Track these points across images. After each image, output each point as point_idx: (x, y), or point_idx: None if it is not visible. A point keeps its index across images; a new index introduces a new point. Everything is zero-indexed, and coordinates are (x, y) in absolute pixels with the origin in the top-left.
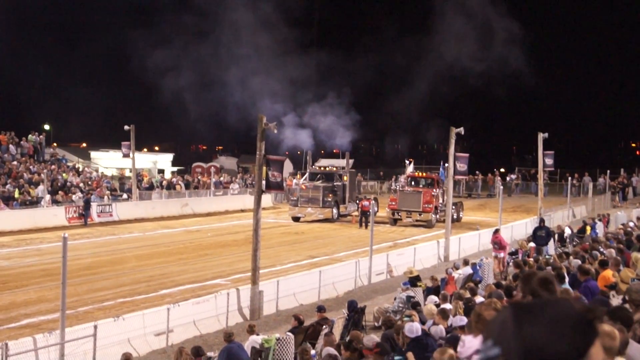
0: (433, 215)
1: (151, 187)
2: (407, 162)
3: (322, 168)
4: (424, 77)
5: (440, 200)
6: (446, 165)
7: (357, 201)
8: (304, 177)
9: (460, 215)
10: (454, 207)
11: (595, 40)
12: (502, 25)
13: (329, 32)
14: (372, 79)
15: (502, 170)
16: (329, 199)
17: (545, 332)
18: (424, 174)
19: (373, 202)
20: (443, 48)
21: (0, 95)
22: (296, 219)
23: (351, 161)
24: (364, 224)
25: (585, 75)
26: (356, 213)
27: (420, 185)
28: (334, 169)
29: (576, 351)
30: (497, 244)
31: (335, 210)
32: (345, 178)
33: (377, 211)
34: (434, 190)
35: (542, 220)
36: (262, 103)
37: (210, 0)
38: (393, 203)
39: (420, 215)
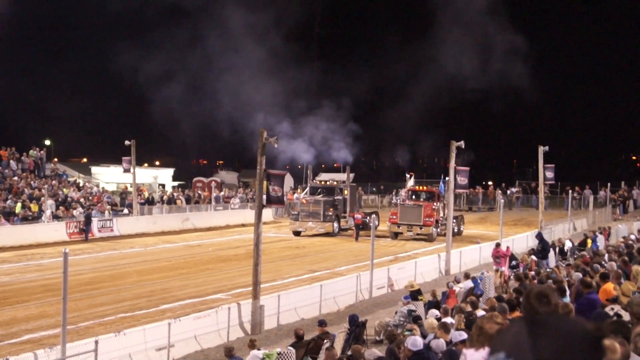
0: (434, 229)
1: (150, 202)
2: (407, 175)
3: (322, 182)
4: (423, 90)
5: (441, 214)
6: (447, 178)
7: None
8: (304, 192)
9: (461, 229)
10: (454, 220)
11: (595, 53)
12: (503, 38)
13: (328, 45)
14: (371, 93)
15: (503, 184)
16: (330, 213)
17: (558, 347)
18: (425, 188)
19: (374, 215)
20: (443, 61)
21: (1, 111)
22: (297, 233)
23: (352, 175)
24: (356, 237)
25: (586, 89)
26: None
27: (421, 199)
28: (335, 183)
29: None
30: (498, 257)
31: (336, 224)
32: (345, 192)
33: (378, 225)
34: (435, 204)
35: (539, 234)
36: (262, 117)
37: (205, 13)
38: (394, 217)
39: (421, 229)
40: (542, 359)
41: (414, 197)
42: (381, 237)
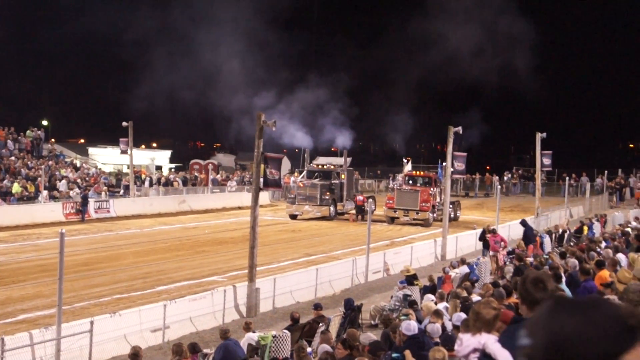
0: (430, 214)
1: (145, 182)
2: (404, 160)
3: (319, 166)
4: (422, 74)
5: (438, 199)
6: (444, 164)
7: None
8: (301, 175)
9: (458, 215)
10: (451, 206)
11: (594, 41)
12: (503, 24)
13: (328, 27)
14: (369, 77)
15: (506, 174)
16: (327, 197)
17: (580, 328)
18: (422, 173)
19: (370, 200)
20: (441, 45)
21: None
22: (293, 217)
23: (349, 159)
24: (359, 216)
25: (584, 76)
26: (353, 211)
27: (418, 184)
28: (332, 167)
29: (610, 354)
30: (499, 242)
31: (332, 208)
32: (342, 176)
33: (375, 209)
34: (432, 189)
35: (522, 221)
36: (260, 100)
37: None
38: (390, 202)
39: (417, 214)
40: (553, 338)
41: (410, 182)
42: (377, 221)
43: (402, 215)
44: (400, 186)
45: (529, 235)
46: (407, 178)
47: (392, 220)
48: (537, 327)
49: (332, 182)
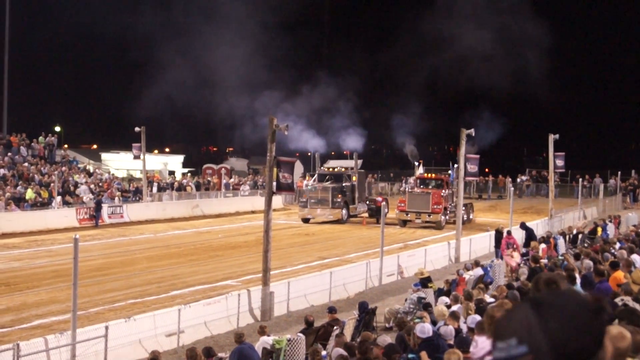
0: (442, 217)
1: (160, 189)
2: (416, 163)
3: (330, 169)
4: (434, 76)
5: (450, 202)
6: (456, 166)
7: (367, 202)
8: (313, 179)
9: (471, 217)
10: (464, 208)
11: (607, 41)
12: (515, 24)
13: (339, 29)
14: (382, 78)
15: (519, 176)
16: (338, 200)
17: (568, 326)
18: (434, 175)
19: (384, 203)
20: (455, 47)
21: (11, 97)
22: (306, 221)
23: (360, 161)
24: (377, 220)
25: (597, 77)
26: (366, 214)
27: (430, 187)
28: (343, 169)
29: (596, 342)
30: (512, 244)
31: (344, 211)
32: (354, 178)
33: (387, 212)
34: (443, 191)
35: (522, 224)
36: (272, 104)
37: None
38: (402, 204)
39: (429, 216)
40: (555, 341)
41: (422, 184)
42: (390, 224)
43: (414, 217)
44: (412, 189)
45: (532, 236)
46: (418, 180)
47: (404, 223)
48: (532, 333)
49: (344, 184)
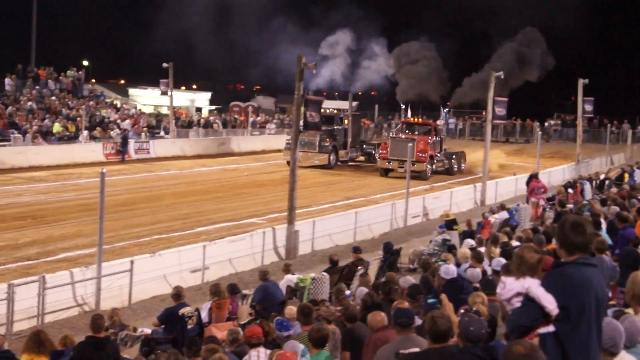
0: (428, 166)
1: (187, 125)
2: (402, 105)
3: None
4: (458, 15)
5: (438, 149)
6: (447, 110)
7: (364, 146)
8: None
9: (462, 167)
10: (454, 157)
11: None
12: None
13: None
14: (404, 16)
15: (548, 120)
16: (327, 144)
17: None
18: (420, 120)
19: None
20: None
21: (40, 31)
22: None
23: (355, 103)
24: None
25: (629, 21)
26: (361, 158)
27: (416, 133)
28: (335, 111)
29: None
30: (541, 188)
31: (332, 156)
32: (346, 121)
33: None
34: (431, 137)
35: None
36: (296, 37)
37: None
38: (384, 152)
39: (413, 165)
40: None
41: (408, 130)
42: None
43: (397, 166)
44: (396, 135)
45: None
46: (403, 125)
47: (385, 172)
48: None
49: (334, 127)
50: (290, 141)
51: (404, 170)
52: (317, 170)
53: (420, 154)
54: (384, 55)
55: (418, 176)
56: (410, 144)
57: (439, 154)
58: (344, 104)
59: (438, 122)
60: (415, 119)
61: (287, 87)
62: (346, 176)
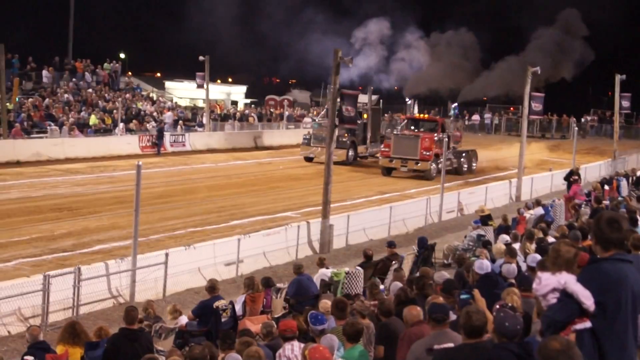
0: (432, 165)
1: (224, 118)
2: (407, 100)
3: None
4: (493, 9)
5: (445, 148)
6: (456, 104)
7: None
8: (320, 114)
9: (473, 166)
10: (464, 155)
11: None
12: None
13: None
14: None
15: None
16: (344, 139)
17: None
18: (426, 116)
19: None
20: None
21: (77, 23)
22: (309, 159)
23: (375, 97)
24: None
25: None
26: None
27: (421, 130)
28: None
29: None
30: (583, 190)
31: (351, 152)
32: (365, 116)
33: None
34: (437, 134)
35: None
36: (327, 36)
37: None
38: (387, 149)
39: (417, 164)
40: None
41: (412, 126)
42: None
43: (399, 165)
44: (400, 131)
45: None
46: (407, 122)
47: (387, 171)
48: None
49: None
50: (307, 136)
51: (406, 170)
52: (351, 165)
53: (424, 152)
54: (420, 47)
55: (422, 176)
56: (414, 142)
57: (447, 152)
58: (363, 98)
59: (450, 116)
60: (421, 115)
61: (319, 80)
62: (380, 171)
